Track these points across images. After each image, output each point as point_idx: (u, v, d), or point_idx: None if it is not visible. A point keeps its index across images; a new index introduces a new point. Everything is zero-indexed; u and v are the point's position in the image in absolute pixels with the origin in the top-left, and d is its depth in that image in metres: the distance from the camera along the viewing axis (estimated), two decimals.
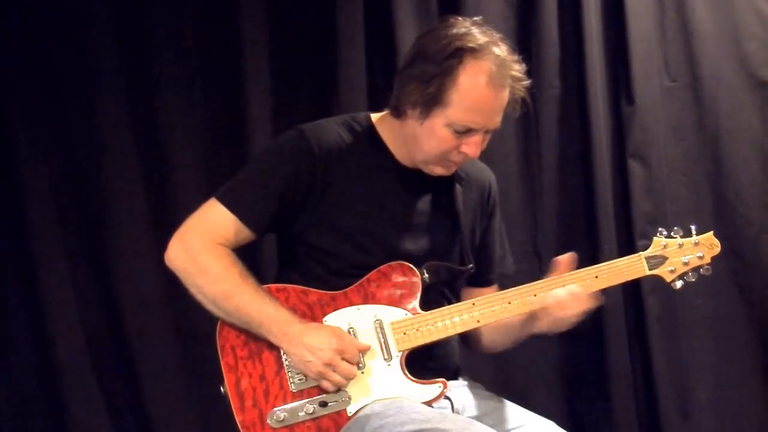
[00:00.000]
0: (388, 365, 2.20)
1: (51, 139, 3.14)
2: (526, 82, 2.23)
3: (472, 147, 2.21)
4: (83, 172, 3.17)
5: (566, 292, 2.23)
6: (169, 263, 2.24)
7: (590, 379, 3.48)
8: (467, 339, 2.45)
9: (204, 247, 2.21)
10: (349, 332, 2.20)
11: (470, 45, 2.16)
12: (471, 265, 2.37)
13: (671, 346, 3.49)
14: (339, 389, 2.16)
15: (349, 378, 2.15)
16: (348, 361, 2.14)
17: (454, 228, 2.37)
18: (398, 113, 2.26)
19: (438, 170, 2.29)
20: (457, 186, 2.38)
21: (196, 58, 3.24)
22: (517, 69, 2.21)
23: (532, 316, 2.27)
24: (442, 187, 2.37)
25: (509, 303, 2.25)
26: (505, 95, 2.19)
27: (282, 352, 2.18)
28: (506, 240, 2.55)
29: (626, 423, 3.44)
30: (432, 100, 2.17)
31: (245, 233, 2.25)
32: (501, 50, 2.19)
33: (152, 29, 3.20)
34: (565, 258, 2.31)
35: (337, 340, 2.14)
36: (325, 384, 2.15)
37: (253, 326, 2.18)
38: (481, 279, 2.42)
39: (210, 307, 2.21)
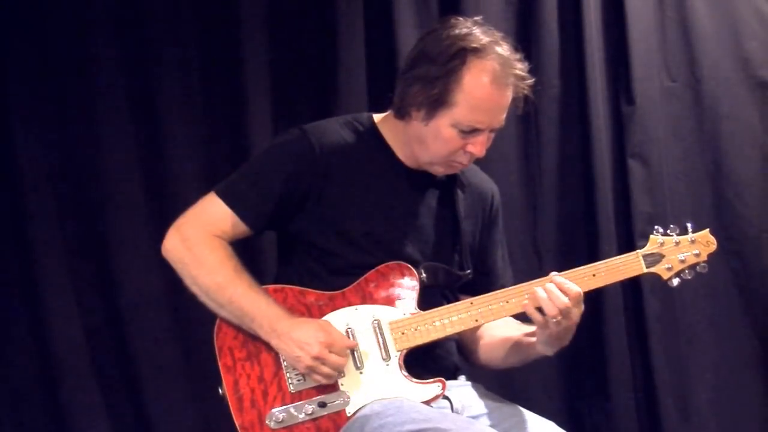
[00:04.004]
0: (387, 365, 2.20)
1: (50, 138, 3.14)
2: (530, 81, 2.23)
3: (478, 146, 2.22)
4: (83, 171, 3.17)
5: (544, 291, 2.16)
6: (165, 254, 2.26)
7: (590, 379, 3.48)
8: (463, 351, 2.44)
9: (200, 239, 2.22)
10: (347, 332, 2.20)
11: (473, 45, 2.17)
12: (469, 271, 2.37)
13: (671, 346, 3.49)
14: (337, 389, 2.17)
15: (338, 369, 2.15)
16: (337, 354, 2.14)
17: (454, 232, 2.37)
18: (402, 115, 2.26)
19: (443, 171, 2.30)
20: (459, 192, 2.38)
21: (196, 58, 3.24)
22: (520, 68, 2.21)
23: (531, 337, 2.27)
24: (444, 191, 2.37)
25: (507, 302, 2.24)
26: (509, 94, 2.20)
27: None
28: (506, 252, 2.54)
29: (626, 423, 3.44)
30: (437, 102, 2.17)
31: (242, 228, 2.26)
32: (503, 49, 2.20)
33: (152, 27, 3.20)
34: None
35: (324, 334, 2.14)
36: (317, 378, 2.15)
37: (245, 320, 2.18)
38: (483, 290, 2.37)
39: (203, 298, 2.22)
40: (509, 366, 2.44)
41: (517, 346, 2.35)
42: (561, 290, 2.15)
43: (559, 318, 2.14)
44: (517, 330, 2.36)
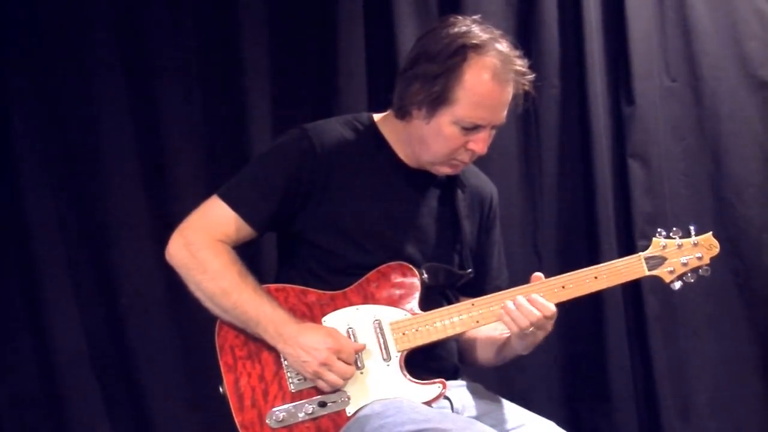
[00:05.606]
0: (388, 365, 2.20)
1: (51, 138, 3.14)
2: (530, 77, 2.23)
3: (480, 143, 2.22)
4: (83, 172, 3.18)
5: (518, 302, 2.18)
6: (169, 258, 2.25)
7: (590, 379, 3.48)
8: (461, 353, 2.43)
9: (204, 244, 2.21)
10: (348, 332, 2.20)
11: (473, 42, 2.17)
12: (470, 270, 2.37)
13: (671, 346, 3.49)
14: (338, 389, 2.16)
15: (345, 378, 2.14)
16: (344, 361, 2.14)
17: (455, 232, 2.37)
18: (402, 114, 2.26)
19: (445, 170, 2.29)
20: (459, 191, 2.38)
21: (196, 58, 3.24)
22: (520, 64, 2.21)
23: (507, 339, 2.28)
24: (444, 191, 2.37)
25: None
26: (510, 90, 2.20)
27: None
28: (503, 253, 2.54)
29: (626, 423, 3.44)
30: (438, 99, 2.17)
31: (246, 230, 2.25)
32: (503, 46, 2.20)
33: (152, 27, 3.20)
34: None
35: (333, 340, 2.14)
36: (321, 384, 2.15)
37: (250, 325, 2.18)
38: (477, 290, 2.38)
39: (208, 304, 2.21)
40: (488, 365, 2.45)
41: (501, 347, 2.35)
42: (534, 306, 2.16)
43: (532, 329, 2.17)
44: (494, 330, 2.36)
